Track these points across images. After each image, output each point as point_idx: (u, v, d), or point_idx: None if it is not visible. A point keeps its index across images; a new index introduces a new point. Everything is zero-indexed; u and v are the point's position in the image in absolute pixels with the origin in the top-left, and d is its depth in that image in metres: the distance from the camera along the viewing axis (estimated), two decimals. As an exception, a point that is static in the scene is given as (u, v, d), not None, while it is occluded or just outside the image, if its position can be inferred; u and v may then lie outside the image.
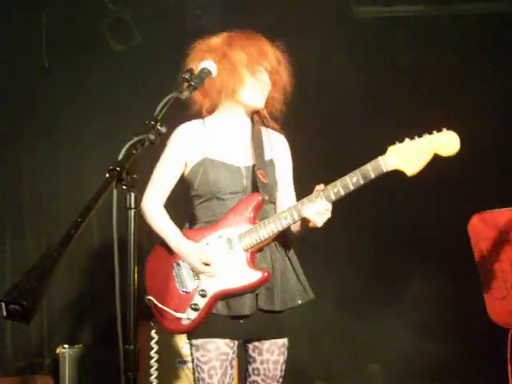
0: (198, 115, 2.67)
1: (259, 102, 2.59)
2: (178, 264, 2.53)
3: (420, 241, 4.63)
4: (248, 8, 4.72)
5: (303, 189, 2.55)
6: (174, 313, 2.47)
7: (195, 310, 2.45)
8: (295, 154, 2.79)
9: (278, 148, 2.70)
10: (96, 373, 4.31)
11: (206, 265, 2.44)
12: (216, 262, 2.45)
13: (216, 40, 2.60)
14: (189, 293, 2.48)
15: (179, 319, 2.47)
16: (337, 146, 4.71)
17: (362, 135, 4.68)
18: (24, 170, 4.94)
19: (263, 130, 2.70)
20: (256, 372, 2.57)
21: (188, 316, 2.45)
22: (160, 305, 2.51)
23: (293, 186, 2.73)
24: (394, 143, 2.29)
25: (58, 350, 4.33)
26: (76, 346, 4.36)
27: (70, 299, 4.81)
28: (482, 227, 3.05)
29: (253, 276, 2.40)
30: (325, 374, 4.70)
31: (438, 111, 4.59)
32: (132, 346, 1.66)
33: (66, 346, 4.31)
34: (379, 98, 4.74)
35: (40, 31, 4.85)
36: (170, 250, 2.56)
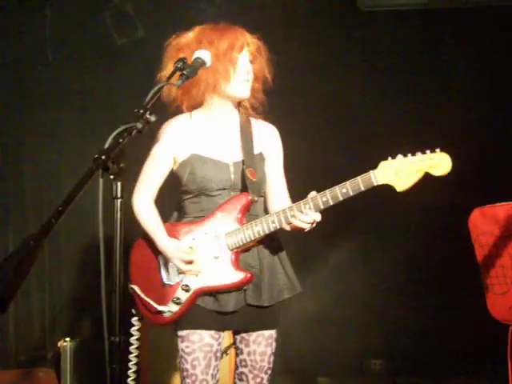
0: (179, 112, 2.62)
1: (244, 92, 2.54)
2: (164, 257, 2.53)
3: (423, 236, 4.59)
4: (251, 2, 4.69)
5: (302, 190, 2.51)
6: (155, 305, 2.47)
7: (177, 303, 2.45)
8: (292, 153, 2.77)
9: (267, 140, 2.66)
10: (97, 366, 4.29)
11: (189, 263, 2.44)
12: (199, 260, 2.45)
13: (188, 37, 2.54)
14: (172, 286, 2.48)
15: (160, 312, 2.47)
16: (338, 140, 4.66)
17: (365, 131, 4.65)
18: (26, 167, 4.93)
19: (253, 121, 2.66)
20: (243, 363, 2.58)
21: (169, 309, 2.46)
22: (143, 295, 2.51)
23: (284, 178, 2.69)
24: (386, 158, 2.31)
25: (59, 344, 4.34)
26: (77, 340, 4.38)
27: (71, 293, 4.82)
28: (483, 221, 3.01)
29: (235, 276, 2.41)
30: (326, 370, 4.68)
31: (443, 105, 4.58)
32: (117, 338, 1.64)
33: (67, 339, 4.33)
34: (383, 92, 4.69)
35: (44, 25, 4.83)
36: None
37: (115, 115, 4.67)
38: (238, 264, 2.44)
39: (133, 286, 2.54)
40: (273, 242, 2.56)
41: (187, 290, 2.44)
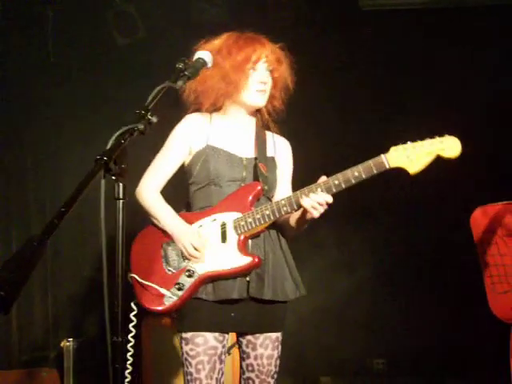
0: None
1: (258, 102, 2.60)
2: (168, 244, 2.53)
3: (427, 237, 4.59)
4: (252, 2, 4.69)
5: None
6: (157, 287, 2.44)
7: (179, 289, 2.43)
8: (295, 153, 2.79)
9: (280, 150, 2.72)
10: (100, 366, 4.30)
11: (196, 250, 2.43)
12: (206, 246, 2.45)
13: (213, 43, 2.60)
14: (175, 273, 2.47)
15: (162, 296, 2.44)
16: (340, 143, 4.67)
17: (368, 129, 4.65)
18: (29, 169, 4.93)
19: (268, 133, 2.72)
20: (250, 368, 2.55)
21: (171, 294, 2.43)
22: (143, 281, 2.47)
23: (290, 190, 2.72)
24: (396, 144, 2.33)
25: (62, 344, 4.35)
26: (80, 340, 4.38)
27: (75, 293, 4.82)
28: (485, 220, 3.01)
29: (243, 260, 2.39)
30: (328, 370, 4.68)
31: (445, 105, 4.57)
32: (120, 338, 1.65)
33: (70, 339, 4.33)
34: (385, 92, 4.70)
35: (45, 25, 4.84)
36: (159, 232, 2.55)
37: (117, 116, 4.67)
38: (245, 248, 2.42)
39: (132, 275, 2.51)
40: (279, 238, 2.57)
41: (191, 276, 2.42)
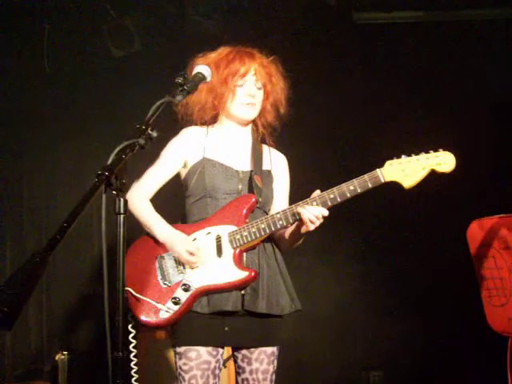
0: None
1: (246, 115, 2.62)
2: (162, 257, 2.52)
3: (423, 249, 4.60)
4: (248, 15, 4.73)
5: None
6: (153, 302, 2.43)
7: (176, 303, 2.42)
8: (291, 164, 2.79)
9: (277, 164, 2.73)
10: (95, 379, 4.28)
11: (191, 254, 2.43)
12: (201, 255, 2.44)
13: (208, 57, 2.64)
14: (170, 287, 2.46)
15: (158, 311, 2.43)
16: (334, 156, 4.69)
17: (361, 144, 4.67)
18: (24, 178, 4.93)
19: (264, 146, 2.74)
20: (246, 383, 2.54)
21: (168, 309, 2.42)
22: (138, 295, 2.45)
23: (287, 203, 2.71)
24: (391, 158, 2.36)
25: (57, 357, 4.32)
26: (75, 353, 4.36)
27: (69, 306, 4.80)
28: (481, 233, 3.02)
29: (238, 274, 2.40)
30: (325, 382, 4.66)
31: (439, 118, 4.60)
32: (121, 353, 1.64)
33: (65, 352, 4.30)
34: (379, 105, 4.72)
35: (42, 37, 4.85)
36: (152, 244, 2.55)
37: (113, 129, 4.70)
38: (241, 262, 2.43)
39: (127, 288, 2.47)
40: (274, 252, 2.57)
41: (187, 290, 2.42)
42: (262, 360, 2.52)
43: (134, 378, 2.33)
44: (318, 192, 2.39)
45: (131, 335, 2.47)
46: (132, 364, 2.43)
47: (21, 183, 4.90)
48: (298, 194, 2.66)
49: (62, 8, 4.76)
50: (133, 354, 2.43)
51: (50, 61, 4.90)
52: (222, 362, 2.52)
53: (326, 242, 4.46)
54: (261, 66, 2.61)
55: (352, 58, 4.77)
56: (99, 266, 4.72)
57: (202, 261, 2.45)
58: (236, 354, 2.57)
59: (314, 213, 2.33)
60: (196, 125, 2.69)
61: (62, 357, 4.29)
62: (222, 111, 2.64)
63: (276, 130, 2.74)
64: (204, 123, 2.69)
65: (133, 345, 2.46)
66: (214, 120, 2.71)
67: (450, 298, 4.42)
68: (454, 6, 4.66)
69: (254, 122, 2.71)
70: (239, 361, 2.55)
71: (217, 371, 2.47)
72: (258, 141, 2.72)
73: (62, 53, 4.85)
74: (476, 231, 3.08)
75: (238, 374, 2.59)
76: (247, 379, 2.53)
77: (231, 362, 3.27)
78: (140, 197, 2.58)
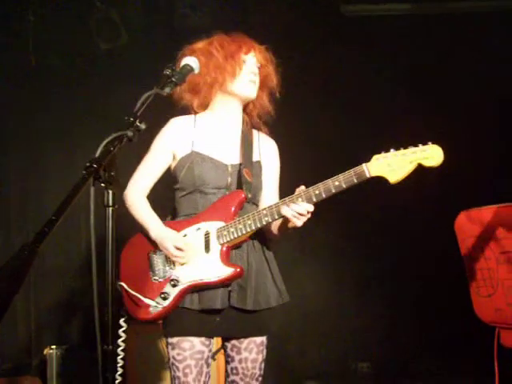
0: (186, 112, 2.68)
1: (250, 92, 2.61)
2: (155, 252, 2.53)
3: (409, 240, 4.62)
4: (236, 7, 4.71)
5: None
6: (142, 298, 2.46)
7: (164, 298, 2.44)
8: (281, 159, 2.77)
9: (267, 151, 2.71)
10: (84, 373, 4.28)
11: (179, 250, 2.44)
12: (190, 251, 2.45)
13: (200, 42, 2.64)
14: (160, 282, 2.48)
15: (147, 306, 2.46)
16: (324, 149, 4.70)
17: (351, 135, 4.68)
18: (12, 171, 4.91)
19: (254, 132, 2.72)
20: (235, 371, 2.57)
21: (157, 304, 2.44)
22: (130, 290, 2.50)
23: (278, 191, 2.72)
24: (379, 152, 2.32)
25: (45, 351, 4.30)
26: (63, 347, 4.34)
27: (57, 300, 4.78)
28: (469, 225, 3.03)
29: (225, 271, 2.40)
30: (313, 373, 4.69)
31: (429, 111, 4.62)
32: (110, 347, 1.64)
33: (53, 346, 4.28)
34: (367, 99, 4.73)
35: (27, 30, 4.81)
36: (147, 240, 2.56)
37: (101, 123, 4.67)
38: (227, 259, 2.43)
39: (121, 283, 2.52)
40: (263, 247, 2.57)
41: (175, 285, 2.44)
42: (252, 349, 2.54)
43: (118, 372, 2.33)
44: (302, 188, 2.37)
45: (122, 329, 2.49)
46: (119, 357, 2.44)
47: (8, 177, 4.87)
48: (292, 183, 2.67)
49: (48, 0, 4.73)
50: (121, 348, 2.43)
51: (35, 53, 4.86)
52: (212, 352, 2.54)
53: (318, 236, 4.47)
54: (258, 50, 2.64)
55: (340, 50, 4.77)
56: (87, 259, 4.71)
57: (191, 257, 2.46)
58: (226, 343, 2.59)
59: (297, 210, 2.33)
60: (192, 109, 2.66)
61: (51, 351, 4.27)
62: (221, 91, 2.59)
63: (271, 116, 2.72)
64: (197, 107, 2.66)
65: (122, 339, 2.48)
66: (205, 107, 2.68)
67: (437, 289, 4.45)
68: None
69: (245, 108, 2.69)
70: (228, 350, 2.58)
71: (209, 360, 2.50)
72: (249, 129, 2.70)
73: (48, 46, 4.81)
74: (464, 222, 3.09)
75: (227, 362, 2.61)
76: (236, 368, 2.55)
77: (220, 355, 3.28)
78: (135, 194, 2.60)
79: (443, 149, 2.27)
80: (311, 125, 4.70)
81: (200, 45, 2.62)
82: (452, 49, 4.59)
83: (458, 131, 4.33)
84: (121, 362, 2.47)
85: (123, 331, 2.50)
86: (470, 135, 4.45)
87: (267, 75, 2.66)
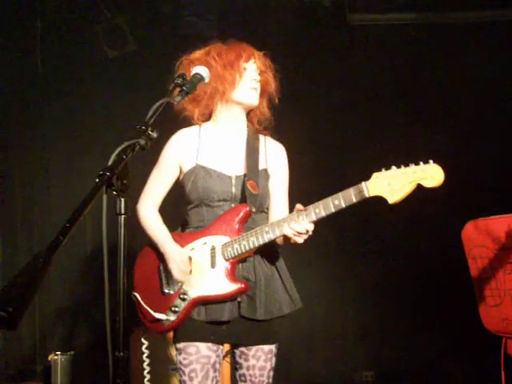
0: (188, 123, 2.69)
1: (252, 99, 2.61)
2: (165, 267, 2.57)
3: (416, 250, 4.61)
4: (243, 15, 4.73)
5: (296, 199, 2.53)
6: (153, 313, 2.52)
7: (174, 312, 2.49)
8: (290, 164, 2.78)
9: (274, 157, 2.70)
10: (88, 380, 4.29)
11: (184, 272, 2.49)
12: (198, 271, 2.49)
13: (198, 52, 2.65)
14: (171, 295, 2.53)
15: (159, 320, 2.52)
16: (329, 156, 4.70)
17: (355, 143, 4.68)
18: (17, 177, 4.92)
19: (261, 138, 2.72)
20: (243, 378, 2.59)
21: (167, 317, 2.50)
22: (143, 303, 2.56)
23: (287, 196, 2.72)
24: (380, 165, 2.28)
25: (50, 357, 4.31)
26: (68, 353, 4.35)
27: (62, 306, 4.79)
28: (476, 234, 3.03)
29: (230, 287, 2.44)
30: (317, 382, 4.68)
31: (433, 120, 4.63)
32: (122, 353, 1.64)
33: (58, 352, 4.30)
34: (372, 106, 4.74)
35: (34, 36, 4.83)
36: (158, 253, 2.61)
37: (106, 129, 4.69)
38: (233, 274, 2.46)
39: (135, 294, 2.59)
40: (272, 255, 2.58)
41: (184, 299, 2.48)
42: (259, 357, 2.55)
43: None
44: (299, 205, 2.37)
45: (144, 346, 2.64)
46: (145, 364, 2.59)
47: (13, 182, 4.89)
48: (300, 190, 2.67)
49: (56, 7, 4.76)
50: (146, 363, 2.58)
51: (43, 60, 4.88)
52: (222, 357, 2.57)
53: (322, 242, 4.46)
54: (258, 56, 2.64)
55: (346, 59, 4.78)
56: (92, 265, 4.72)
57: (198, 271, 2.49)
58: (234, 350, 2.61)
59: (297, 229, 2.34)
60: (192, 120, 2.67)
61: (55, 357, 4.28)
62: (224, 98, 2.59)
63: (271, 122, 2.73)
64: (198, 118, 2.66)
65: (145, 346, 2.63)
66: (206, 118, 2.69)
67: (443, 299, 4.44)
68: (447, 7, 4.69)
69: (248, 115, 2.70)
70: (237, 357, 2.60)
71: (217, 365, 2.52)
72: (254, 136, 2.69)
73: (56, 52, 4.84)
74: (471, 232, 3.09)
75: (235, 369, 2.63)
76: (244, 375, 2.58)
77: (224, 363, 3.30)
78: (146, 209, 2.66)
79: (447, 161, 2.21)
80: (314, 131, 4.70)
81: (197, 55, 2.63)
82: (457, 58, 4.59)
83: (461, 140, 4.34)
84: (147, 377, 2.61)
85: (146, 348, 2.65)
86: (473, 143, 4.45)
87: (267, 81, 2.67)
